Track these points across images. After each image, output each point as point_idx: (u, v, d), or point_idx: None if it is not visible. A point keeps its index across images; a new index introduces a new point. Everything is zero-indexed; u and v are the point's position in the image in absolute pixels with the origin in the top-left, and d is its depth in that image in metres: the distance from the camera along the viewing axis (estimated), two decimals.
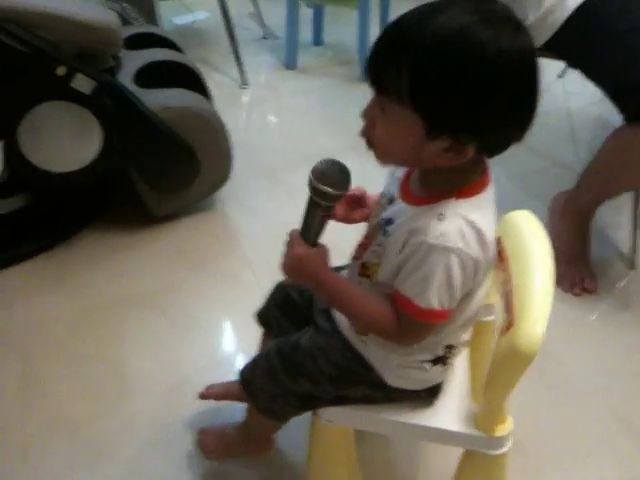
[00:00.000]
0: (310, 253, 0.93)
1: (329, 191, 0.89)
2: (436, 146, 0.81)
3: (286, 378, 1.06)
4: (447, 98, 0.77)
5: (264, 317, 1.26)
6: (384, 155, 0.87)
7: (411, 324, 0.89)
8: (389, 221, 0.91)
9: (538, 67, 0.80)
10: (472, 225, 0.83)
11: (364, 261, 0.97)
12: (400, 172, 0.96)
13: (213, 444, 1.28)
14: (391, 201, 0.94)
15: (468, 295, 0.91)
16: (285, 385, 1.07)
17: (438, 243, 0.82)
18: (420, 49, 0.77)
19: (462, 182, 0.86)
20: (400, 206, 0.92)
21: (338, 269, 1.05)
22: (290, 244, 0.95)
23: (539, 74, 0.80)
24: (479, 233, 0.84)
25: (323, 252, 0.94)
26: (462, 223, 0.83)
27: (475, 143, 0.80)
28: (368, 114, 0.85)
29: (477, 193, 0.87)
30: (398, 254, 0.88)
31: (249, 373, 1.13)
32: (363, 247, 0.98)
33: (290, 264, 0.95)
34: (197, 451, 1.31)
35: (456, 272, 0.83)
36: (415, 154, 0.83)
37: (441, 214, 0.84)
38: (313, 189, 0.91)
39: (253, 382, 1.12)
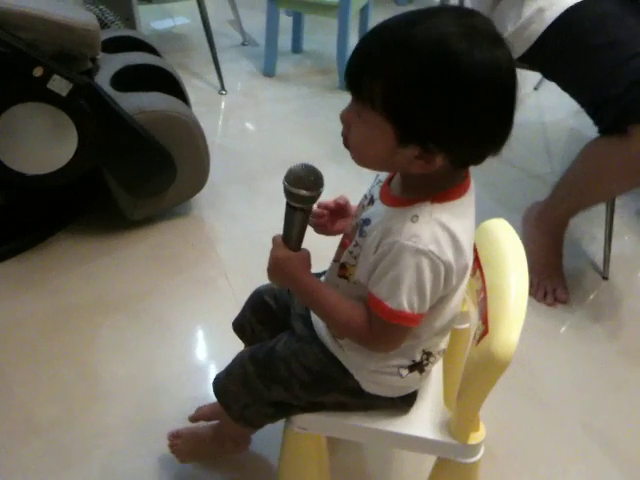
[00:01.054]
0: (290, 256, 0.96)
1: (303, 193, 0.92)
2: (407, 153, 0.82)
3: (260, 385, 1.06)
4: (417, 108, 0.78)
5: (239, 324, 1.26)
6: (359, 158, 0.88)
7: (383, 327, 0.89)
8: (366, 221, 0.92)
9: (515, 84, 0.80)
10: (446, 229, 0.84)
11: (343, 262, 0.98)
12: (384, 175, 0.97)
13: (186, 447, 1.27)
14: (371, 202, 0.95)
15: (444, 300, 0.92)
16: (258, 393, 1.07)
17: (410, 244, 0.83)
18: (395, 58, 0.78)
19: (440, 187, 0.87)
20: (378, 207, 0.93)
21: (318, 275, 1.05)
22: (273, 248, 0.98)
23: (515, 91, 0.80)
24: (453, 238, 0.85)
25: (303, 256, 0.96)
26: (436, 227, 0.84)
27: (443, 154, 0.81)
28: (344, 117, 0.87)
29: (454, 199, 0.87)
30: (373, 254, 0.88)
31: (223, 382, 1.12)
32: (343, 248, 0.99)
33: (271, 266, 0.98)
34: (170, 455, 1.29)
35: (427, 275, 0.84)
36: (387, 159, 0.84)
37: (415, 216, 0.85)
38: (288, 193, 0.93)
39: (226, 391, 1.11)
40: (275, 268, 0.98)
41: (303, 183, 0.92)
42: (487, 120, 0.80)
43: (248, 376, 1.07)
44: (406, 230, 0.84)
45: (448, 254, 0.84)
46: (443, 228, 0.84)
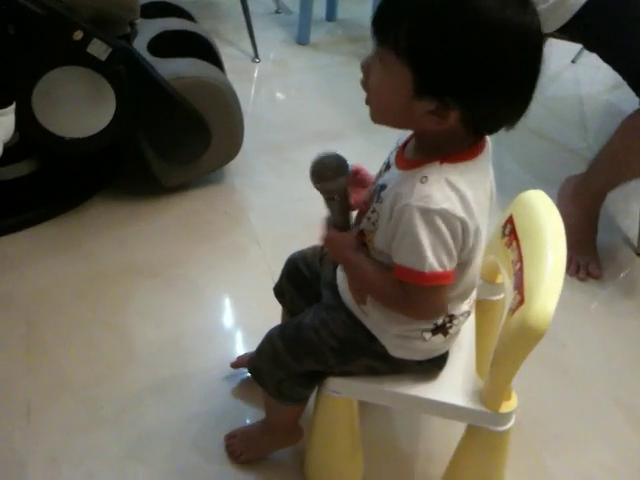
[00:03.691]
0: (334, 237, 0.99)
1: (328, 187, 0.94)
2: (422, 106, 0.81)
3: (291, 360, 1.07)
4: (439, 57, 0.78)
5: (279, 290, 1.28)
6: (376, 109, 0.88)
7: (421, 294, 0.89)
8: (382, 187, 0.93)
9: (541, 53, 0.80)
10: (455, 188, 0.84)
11: (362, 228, 0.98)
12: (401, 140, 0.97)
13: (240, 447, 1.27)
14: (387, 168, 0.96)
15: (463, 266, 0.92)
16: (290, 367, 1.08)
17: (422, 205, 0.83)
18: (424, 4, 0.78)
19: (451, 150, 0.86)
20: (393, 172, 0.93)
21: None
22: (324, 230, 1.01)
23: (541, 60, 0.80)
24: (462, 197, 0.84)
25: (346, 237, 0.98)
26: (445, 186, 0.84)
27: (459, 111, 0.80)
28: (366, 64, 0.87)
29: (464, 161, 0.87)
30: (389, 220, 0.89)
31: (256, 360, 1.14)
32: (361, 214, 0.99)
33: (324, 245, 1.03)
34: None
35: (444, 231, 0.84)
36: (403, 111, 0.84)
37: (424, 177, 0.85)
38: (319, 188, 0.95)
39: (259, 368, 1.13)
40: (326, 246, 1.03)
41: (325, 176, 0.93)
42: (507, 81, 0.79)
43: (278, 352, 1.08)
44: (416, 192, 0.84)
45: (460, 210, 0.84)
46: (452, 187, 0.84)
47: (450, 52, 0.77)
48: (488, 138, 0.91)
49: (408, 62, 0.80)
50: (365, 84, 0.88)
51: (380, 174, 0.97)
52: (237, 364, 1.42)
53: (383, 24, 0.83)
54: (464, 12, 0.76)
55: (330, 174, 0.93)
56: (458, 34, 0.76)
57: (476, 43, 0.76)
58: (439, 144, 0.86)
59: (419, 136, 0.91)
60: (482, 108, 0.82)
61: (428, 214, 0.83)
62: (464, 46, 0.76)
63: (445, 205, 0.83)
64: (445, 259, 0.86)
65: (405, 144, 0.95)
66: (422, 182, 0.84)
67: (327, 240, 1.00)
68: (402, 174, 0.90)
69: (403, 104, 0.83)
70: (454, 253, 0.86)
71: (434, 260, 0.85)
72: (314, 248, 1.22)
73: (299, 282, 1.22)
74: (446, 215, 0.83)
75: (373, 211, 0.94)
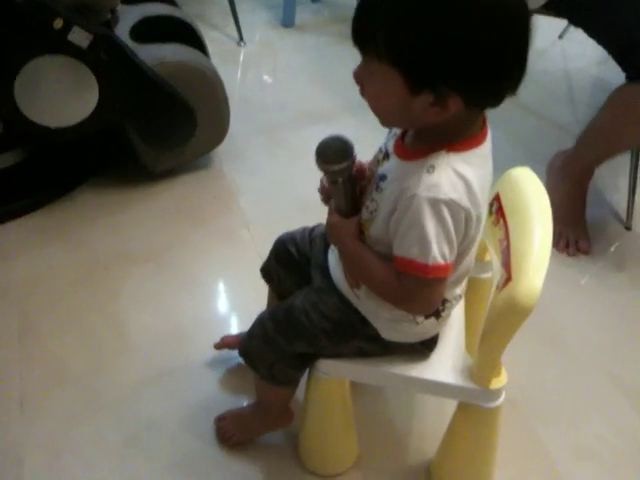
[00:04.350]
0: (336, 223, 0.98)
1: (333, 168, 0.93)
2: (421, 102, 0.81)
3: (282, 342, 1.07)
4: (420, 50, 0.77)
5: (266, 270, 1.28)
6: (380, 117, 0.88)
7: (421, 286, 0.89)
8: (382, 177, 0.92)
9: (527, 18, 0.79)
10: (461, 177, 0.84)
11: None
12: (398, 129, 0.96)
13: (231, 429, 1.27)
14: (386, 156, 0.95)
15: (463, 251, 0.92)
16: (281, 349, 1.08)
17: (430, 195, 0.83)
18: (394, 4, 0.77)
19: (455, 137, 0.86)
20: (393, 162, 0.92)
21: None
22: (328, 214, 1.00)
23: (527, 22, 0.79)
24: (468, 186, 0.84)
25: (350, 223, 0.97)
26: (453, 175, 0.84)
27: (458, 96, 0.80)
28: (357, 75, 0.86)
29: (469, 148, 0.87)
30: (391, 213, 0.88)
31: (246, 343, 1.14)
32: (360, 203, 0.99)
33: (326, 230, 1.03)
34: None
35: (450, 222, 0.84)
36: (405, 112, 0.83)
37: (431, 166, 0.84)
38: (321, 169, 0.94)
39: (251, 352, 1.13)
40: (328, 232, 1.02)
41: (330, 157, 0.92)
42: (494, 56, 0.78)
43: (269, 334, 1.08)
44: (423, 182, 0.83)
45: (465, 201, 0.84)
46: (459, 176, 0.84)
47: (430, 42, 0.76)
48: (488, 125, 0.90)
49: (393, 64, 0.79)
50: (362, 93, 0.87)
51: (378, 163, 0.96)
52: (221, 345, 1.42)
53: (360, 33, 0.82)
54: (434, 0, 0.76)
55: (333, 156, 0.92)
56: (432, 22, 0.76)
57: (453, 26, 0.75)
58: (445, 132, 0.86)
59: (423, 128, 0.89)
60: (478, 87, 0.81)
61: (437, 204, 0.83)
62: (443, 32, 0.76)
63: (452, 195, 0.83)
64: (447, 251, 0.86)
65: (405, 132, 0.94)
66: (429, 172, 0.84)
67: (329, 224, 1.00)
68: (405, 165, 0.90)
69: (403, 105, 0.82)
70: (455, 245, 0.87)
71: (437, 252, 0.85)
72: (303, 229, 1.22)
73: (288, 263, 1.22)
74: (453, 206, 0.83)
75: (372, 200, 0.94)
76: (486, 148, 0.90)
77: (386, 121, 0.90)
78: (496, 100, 0.84)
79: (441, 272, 0.87)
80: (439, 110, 0.81)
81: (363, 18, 0.81)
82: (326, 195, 1.03)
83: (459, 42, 0.76)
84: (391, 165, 0.92)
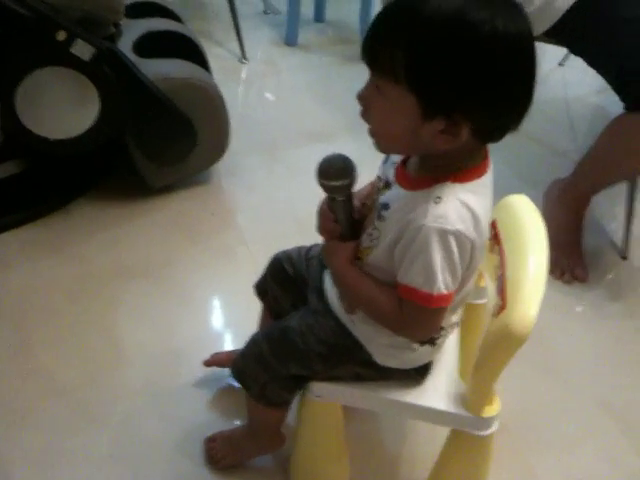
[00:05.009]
0: (332, 247, 0.98)
1: (334, 184, 0.93)
2: (432, 127, 0.81)
3: (276, 363, 1.07)
4: (441, 77, 0.78)
5: (261, 288, 1.27)
6: (383, 140, 0.88)
7: (421, 314, 0.89)
8: (385, 206, 0.92)
9: (535, 54, 0.80)
10: (467, 207, 0.84)
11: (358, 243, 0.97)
12: (396, 156, 0.96)
13: (222, 451, 1.25)
14: (387, 185, 0.94)
15: (464, 279, 0.91)
16: (275, 370, 1.07)
17: (437, 226, 0.83)
18: (416, 28, 0.77)
19: (460, 167, 0.86)
20: (396, 191, 0.92)
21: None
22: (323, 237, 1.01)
23: (536, 61, 0.80)
24: (474, 216, 0.85)
25: (346, 247, 0.96)
26: (459, 206, 0.84)
27: (469, 125, 0.80)
28: (363, 96, 0.86)
29: (474, 179, 0.87)
30: (396, 242, 0.88)
31: (239, 363, 1.13)
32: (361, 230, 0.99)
33: (322, 253, 1.02)
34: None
35: (456, 253, 0.84)
36: (412, 137, 0.83)
37: (438, 197, 0.84)
38: (322, 187, 0.94)
39: (244, 371, 1.12)
40: (324, 256, 1.02)
41: (331, 174, 0.92)
42: (510, 87, 0.80)
43: (263, 355, 1.07)
44: (431, 213, 0.83)
45: (472, 231, 0.84)
46: (465, 207, 0.84)
47: (451, 69, 0.77)
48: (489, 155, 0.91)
49: (410, 87, 0.79)
50: (365, 116, 0.87)
51: (379, 191, 0.96)
52: (210, 362, 1.40)
53: (376, 53, 0.82)
54: (458, 29, 0.76)
55: (334, 172, 0.92)
56: (456, 51, 0.76)
57: (475, 56, 0.76)
58: (450, 162, 0.86)
59: (427, 156, 0.89)
60: (491, 117, 0.82)
61: (444, 235, 0.83)
62: (464, 61, 0.76)
63: (459, 226, 0.83)
64: (450, 281, 0.86)
65: (405, 160, 0.93)
66: (436, 202, 0.84)
67: (325, 248, 1.00)
68: (409, 194, 0.89)
69: (411, 129, 0.82)
70: (459, 275, 0.87)
71: (442, 283, 0.85)
72: (299, 249, 1.21)
73: (284, 281, 1.21)
74: (460, 236, 0.83)
75: (374, 228, 0.93)
76: (488, 178, 0.90)
77: (388, 146, 0.90)
78: (502, 134, 0.85)
79: (444, 301, 0.87)
80: (449, 138, 0.81)
81: (381, 37, 0.81)
82: (323, 221, 1.01)
83: (479, 70, 0.77)
84: (394, 194, 0.92)
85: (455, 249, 0.84)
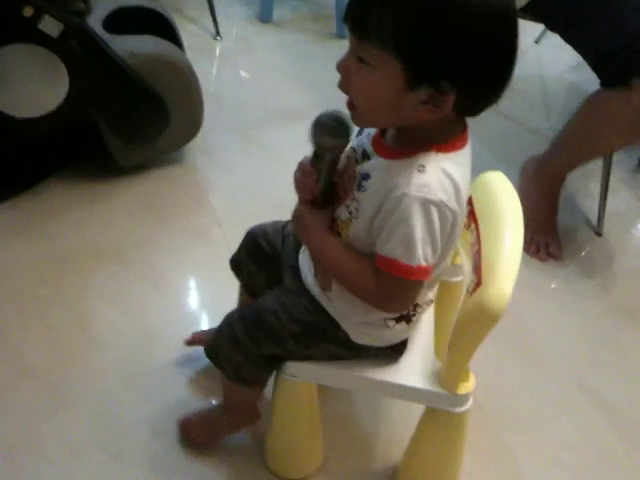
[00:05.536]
0: (307, 213, 0.95)
1: (331, 142, 0.90)
2: (416, 97, 0.80)
3: (250, 344, 1.06)
4: (430, 43, 0.77)
5: (236, 262, 1.26)
6: (363, 112, 0.86)
7: (399, 286, 0.88)
8: (365, 176, 0.90)
9: (517, 27, 0.81)
10: (450, 177, 0.83)
11: (335, 217, 0.96)
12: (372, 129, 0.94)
13: (196, 429, 1.24)
14: (365, 156, 0.92)
15: (442, 254, 0.90)
16: (249, 351, 1.06)
17: (420, 195, 0.82)
18: None
19: (441, 138, 0.85)
20: (376, 161, 0.90)
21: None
22: (297, 201, 0.97)
23: (518, 35, 0.81)
24: (456, 187, 0.84)
25: (322, 214, 0.95)
26: (443, 176, 0.83)
27: (454, 95, 0.79)
28: (343, 65, 0.84)
29: (456, 149, 0.86)
30: (376, 212, 0.87)
31: (214, 343, 1.12)
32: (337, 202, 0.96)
33: (292, 219, 1.00)
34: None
35: (437, 224, 0.83)
36: (393, 107, 0.82)
37: (422, 166, 0.83)
38: (316, 142, 0.91)
39: (218, 352, 1.11)
40: (295, 224, 0.99)
41: (330, 130, 0.89)
42: (495, 59, 0.80)
43: (237, 335, 1.06)
44: (414, 181, 0.82)
45: (454, 202, 0.84)
46: (448, 177, 0.83)
47: (441, 36, 0.76)
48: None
49: (398, 53, 0.77)
50: (345, 86, 0.85)
51: (357, 162, 0.93)
52: (191, 342, 1.39)
53: (362, 18, 0.80)
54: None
55: (333, 129, 0.89)
56: (446, 17, 0.75)
57: (464, 24, 0.76)
58: (429, 133, 0.85)
59: (404, 128, 0.88)
60: (477, 88, 0.81)
61: (427, 205, 0.82)
62: (454, 29, 0.76)
63: (442, 196, 0.82)
64: (430, 253, 0.85)
65: (382, 131, 0.92)
66: (419, 171, 0.83)
67: (297, 215, 0.97)
68: (391, 163, 0.87)
69: (394, 100, 0.81)
70: (439, 247, 0.86)
71: (421, 255, 0.84)
72: (275, 223, 1.20)
73: (258, 257, 1.20)
74: (442, 207, 0.82)
75: (353, 199, 0.91)
76: (468, 150, 0.89)
77: (369, 117, 0.88)
78: (483, 107, 0.84)
79: (423, 274, 0.86)
80: (431, 109, 0.80)
81: (368, 2, 0.79)
82: (303, 178, 0.96)
83: (468, 38, 0.76)
84: (374, 164, 0.90)
85: (437, 220, 0.83)
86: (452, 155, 0.85)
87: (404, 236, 0.83)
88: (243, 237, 1.23)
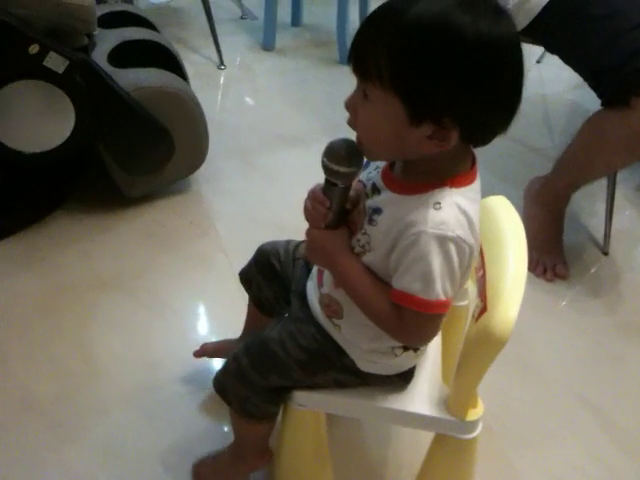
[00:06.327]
0: (323, 235, 0.94)
1: (342, 169, 0.89)
2: (420, 133, 0.80)
3: (255, 376, 1.05)
4: (426, 82, 0.77)
5: (246, 277, 1.26)
6: (370, 146, 0.86)
7: (420, 320, 0.87)
8: (377, 210, 0.90)
9: (521, 57, 0.80)
10: (464, 213, 0.83)
11: None
12: (379, 161, 0.95)
13: (210, 475, 1.24)
14: (375, 190, 0.92)
15: (459, 285, 0.90)
16: (255, 384, 1.06)
17: (438, 232, 0.82)
18: (399, 32, 0.77)
19: (452, 171, 0.86)
20: (387, 195, 0.90)
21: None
22: (309, 225, 0.95)
23: (522, 64, 0.80)
24: (470, 221, 0.84)
25: (338, 234, 0.93)
26: (458, 211, 0.83)
27: (458, 129, 0.79)
28: (350, 103, 0.85)
29: (468, 183, 0.86)
30: (392, 247, 0.86)
31: (221, 378, 1.12)
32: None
33: (307, 245, 0.97)
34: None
35: (455, 259, 0.83)
36: (399, 142, 0.82)
37: (437, 203, 0.83)
38: (327, 170, 0.90)
39: (225, 386, 1.11)
40: (310, 247, 0.97)
41: (341, 158, 0.89)
42: (498, 90, 0.79)
43: (243, 369, 1.06)
44: (431, 219, 0.82)
45: (469, 236, 0.84)
46: (462, 212, 0.83)
47: (436, 74, 0.76)
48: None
49: (395, 92, 0.78)
50: (353, 123, 0.86)
51: (367, 196, 0.93)
52: (200, 353, 1.40)
53: (362, 58, 0.81)
54: (441, 32, 0.75)
55: (344, 157, 0.88)
56: (440, 54, 0.75)
57: (459, 60, 0.75)
58: (438, 166, 0.85)
59: (411, 161, 0.88)
60: (480, 122, 0.81)
61: (445, 242, 0.82)
62: (449, 65, 0.76)
63: (459, 232, 0.82)
64: (449, 287, 0.85)
65: (391, 165, 0.92)
66: (435, 208, 0.83)
67: (311, 239, 0.95)
68: (402, 198, 0.87)
69: (398, 135, 0.81)
70: (458, 280, 0.86)
71: (440, 289, 0.84)
72: (287, 243, 1.20)
73: (269, 274, 1.20)
74: (459, 242, 0.82)
75: (364, 234, 0.91)
76: (478, 183, 0.89)
77: (376, 152, 0.88)
78: (491, 137, 0.85)
79: (442, 308, 0.86)
80: (437, 143, 0.81)
81: (367, 42, 0.80)
82: (315, 205, 0.94)
83: (465, 73, 0.76)
84: (385, 198, 0.90)
85: (455, 255, 0.83)
86: (464, 190, 0.85)
87: (422, 273, 0.83)
88: (254, 253, 1.23)
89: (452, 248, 0.82)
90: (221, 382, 1.12)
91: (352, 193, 0.95)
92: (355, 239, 0.93)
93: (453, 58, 0.75)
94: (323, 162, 0.90)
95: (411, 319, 0.88)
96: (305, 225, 0.95)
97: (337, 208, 0.93)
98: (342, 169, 0.89)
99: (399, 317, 0.88)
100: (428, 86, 0.77)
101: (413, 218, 0.83)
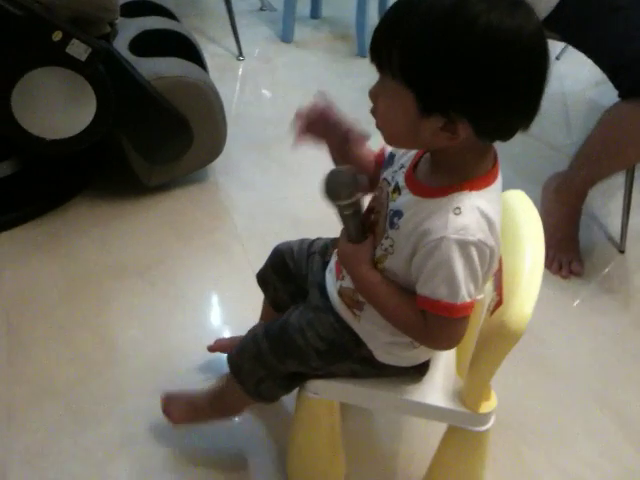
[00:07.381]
0: (347, 250, 0.96)
1: (344, 204, 0.92)
2: (431, 124, 0.80)
3: (274, 360, 1.07)
4: (435, 74, 0.77)
5: (262, 277, 1.27)
6: (386, 134, 0.87)
7: (446, 324, 0.88)
8: (397, 213, 0.90)
9: (542, 51, 0.78)
10: (485, 216, 0.83)
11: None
12: (404, 158, 0.95)
13: (180, 411, 1.25)
14: (396, 190, 0.93)
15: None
16: (273, 368, 1.07)
17: (459, 237, 0.82)
18: (410, 24, 0.77)
19: (473, 173, 0.86)
20: (408, 197, 0.90)
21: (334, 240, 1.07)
22: (339, 241, 0.99)
23: (543, 59, 0.78)
24: (490, 223, 0.84)
25: (360, 249, 0.95)
26: (478, 215, 0.83)
27: (469, 123, 0.79)
28: (372, 92, 0.86)
29: (488, 185, 0.86)
30: (412, 252, 0.87)
31: (237, 358, 1.13)
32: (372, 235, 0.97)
33: (338, 255, 1.02)
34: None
35: (477, 262, 0.83)
36: (414, 133, 0.83)
37: (457, 208, 0.83)
38: (330, 204, 0.93)
39: (241, 367, 1.12)
40: (341, 262, 1.00)
41: (338, 193, 0.91)
42: (508, 86, 0.77)
43: (262, 352, 1.07)
44: (451, 224, 0.82)
45: (490, 238, 0.84)
46: (483, 215, 0.83)
47: (444, 66, 0.76)
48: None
49: (405, 83, 0.79)
50: (374, 111, 0.87)
51: (388, 195, 0.94)
52: (215, 348, 1.41)
53: (378, 49, 0.82)
54: (450, 24, 0.75)
55: (341, 191, 0.91)
56: (448, 47, 0.75)
57: (467, 52, 0.75)
58: (460, 166, 0.85)
59: (437, 157, 0.89)
60: (488, 116, 0.80)
61: (466, 246, 0.82)
62: (457, 57, 0.75)
63: (480, 235, 0.82)
64: (473, 289, 0.85)
65: (414, 165, 0.92)
66: (456, 213, 0.83)
67: (341, 255, 0.99)
68: (423, 202, 0.88)
69: (411, 125, 0.82)
70: (480, 281, 0.86)
71: (465, 292, 0.84)
72: (301, 242, 1.21)
73: (284, 274, 1.21)
74: (480, 245, 0.83)
75: (386, 237, 0.92)
76: (499, 183, 0.89)
77: (392, 139, 0.89)
78: (507, 133, 0.84)
79: (467, 310, 0.87)
80: (448, 135, 0.81)
81: (381, 35, 0.81)
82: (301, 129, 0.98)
83: (474, 66, 0.75)
84: (405, 201, 0.90)
85: (476, 258, 0.83)
86: (484, 192, 0.85)
87: (446, 278, 0.84)
88: (270, 253, 1.24)
89: (473, 251, 0.83)
90: (237, 362, 1.13)
91: (377, 193, 0.97)
92: (379, 244, 0.94)
93: (460, 50, 0.75)
94: (324, 199, 0.92)
95: (438, 324, 0.88)
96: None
97: (354, 228, 0.95)
98: (343, 202, 0.92)
99: (425, 324, 0.89)
100: (432, 77, 0.77)
101: (433, 223, 0.84)
